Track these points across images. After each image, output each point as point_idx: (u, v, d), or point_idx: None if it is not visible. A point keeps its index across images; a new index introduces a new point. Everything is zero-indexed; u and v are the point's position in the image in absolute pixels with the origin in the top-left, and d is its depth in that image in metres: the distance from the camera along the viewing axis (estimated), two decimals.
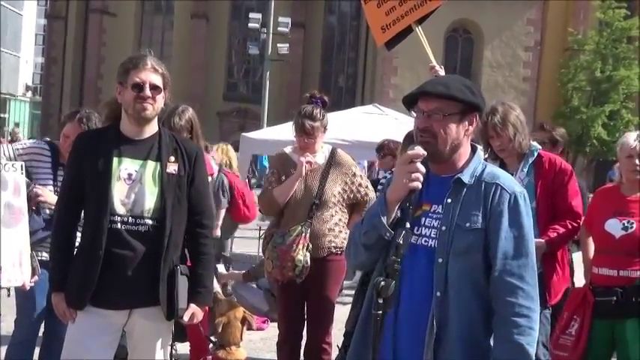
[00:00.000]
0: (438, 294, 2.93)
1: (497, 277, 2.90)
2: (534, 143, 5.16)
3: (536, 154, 5.06)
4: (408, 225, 2.88)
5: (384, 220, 2.95)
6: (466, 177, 3.00)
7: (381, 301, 2.70)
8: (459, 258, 2.92)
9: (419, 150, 2.95)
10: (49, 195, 4.89)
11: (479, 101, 3.04)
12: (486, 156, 5.20)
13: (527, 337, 2.85)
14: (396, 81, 41.51)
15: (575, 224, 5.02)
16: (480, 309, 2.92)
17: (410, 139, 7.96)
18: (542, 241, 4.85)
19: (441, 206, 3.01)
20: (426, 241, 2.98)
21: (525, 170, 5.03)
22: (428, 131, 2.98)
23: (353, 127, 12.60)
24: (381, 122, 12.71)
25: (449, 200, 2.99)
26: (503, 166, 5.10)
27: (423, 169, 2.92)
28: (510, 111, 5.02)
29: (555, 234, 4.90)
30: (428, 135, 2.98)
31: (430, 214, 3.03)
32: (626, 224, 4.98)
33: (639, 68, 40.60)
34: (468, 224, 2.93)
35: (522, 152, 5.05)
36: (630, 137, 5.16)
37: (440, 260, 2.94)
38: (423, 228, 3.01)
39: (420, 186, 2.92)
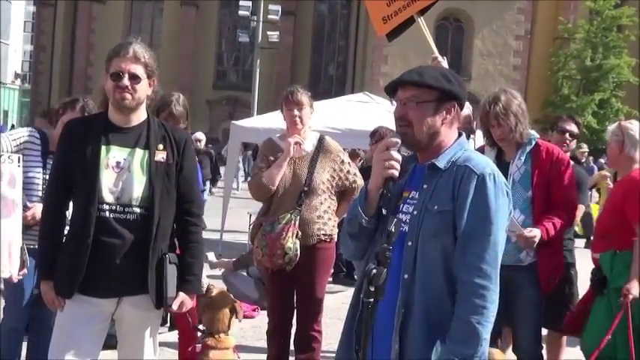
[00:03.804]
0: (406, 276, 2.94)
1: (458, 257, 2.90)
2: (532, 132, 5.16)
3: (534, 143, 5.06)
4: (384, 212, 2.97)
5: (360, 208, 3.03)
6: (442, 162, 3.01)
7: (372, 288, 2.71)
8: (428, 241, 2.93)
9: (393, 138, 2.99)
10: (39, 210, 4.81)
11: (455, 89, 3.03)
12: (484, 143, 5.21)
13: (478, 317, 2.84)
14: (386, 69, 41.53)
15: (570, 214, 5.04)
16: (449, 293, 2.92)
17: (373, 134, 8.02)
18: (538, 230, 4.86)
19: (417, 192, 3.04)
20: (402, 227, 2.98)
21: (522, 159, 5.03)
22: (404, 119, 3.02)
23: (343, 116, 12.57)
24: (372, 110, 12.68)
25: (424, 186, 3.02)
26: (500, 153, 5.12)
27: (398, 156, 2.96)
28: (513, 100, 5.00)
29: (550, 223, 4.90)
30: (404, 123, 3.02)
31: (408, 201, 3.06)
32: (600, 210, 5.13)
33: (629, 57, 40.74)
34: (436, 207, 2.94)
35: (522, 141, 5.04)
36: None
37: (409, 243, 2.96)
38: (401, 214, 3.03)
39: (397, 174, 2.96)
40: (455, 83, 3.04)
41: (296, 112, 5.41)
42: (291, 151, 5.35)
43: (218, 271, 9.47)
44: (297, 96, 5.40)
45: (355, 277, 9.59)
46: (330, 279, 10.96)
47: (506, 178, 4.95)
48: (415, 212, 2.98)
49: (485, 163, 3.02)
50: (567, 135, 6.51)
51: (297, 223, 5.30)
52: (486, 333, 2.87)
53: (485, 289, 2.86)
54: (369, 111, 12.61)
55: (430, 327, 2.90)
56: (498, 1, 43.04)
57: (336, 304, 8.11)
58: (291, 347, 5.60)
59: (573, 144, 6.52)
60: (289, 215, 5.30)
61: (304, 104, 5.42)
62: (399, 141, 2.98)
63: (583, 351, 5.20)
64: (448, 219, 2.93)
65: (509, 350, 5.41)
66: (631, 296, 4.81)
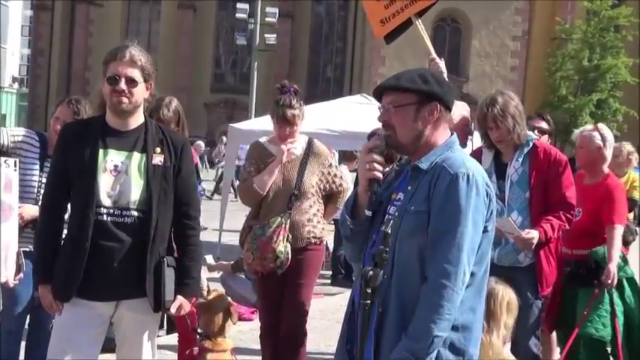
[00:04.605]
0: (385, 276, 2.92)
1: (428, 254, 2.89)
2: (530, 133, 5.16)
3: (531, 144, 5.06)
4: (369, 213, 3.04)
5: (346, 211, 3.12)
6: (425, 164, 3.01)
7: (369, 290, 2.71)
8: (405, 241, 2.94)
9: (375, 141, 3.04)
10: (27, 210, 4.80)
11: (434, 89, 3.02)
12: (482, 144, 5.21)
13: (433, 314, 2.82)
14: (383, 71, 41.45)
15: (569, 215, 5.02)
16: None
17: (371, 136, 8.02)
18: (535, 231, 4.86)
19: (403, 194, 3.05)
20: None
21: (520, 160, 5.03)
22: (387, 124, 3.05)
23: (341, 117, 12.58)
24: (369, 112, 12.64)
25: (409, 187, 3.03)
26: (498, 155, 5.13)
27: (380, 159, 3.01)
28: (510, 102, 5.00)
29: (548, 225, 4.90)
30: (387, 128, 3.04)
31: (395, 203, 3.07)
32: (576, 213, 5.28)
33: (626, 57, 40.72)
34: (413, 207, 2.95)
35: (519, 143, 5.04)
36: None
37: (390, 244, 2.95)
38: (387, 216, 3.05)
39: (380, 175, 3.02)
40: (433, 83, 3.02)
41: (287, 129, 5.41)
42: (284, 158, 5.35)
43: (216, 274, 9.45)
44: (288, 115, 5.36)
45: (354, 278, 9.54)
46: (329, 281, 11.02)
47: (504, 180, 4.98)
48: (397, 214, 3.00)
49: (461, 163, 2.98)
50: (536, 132, 6.57)
51: (287, 226, 5.30)
52: (439, 330, 2.83)
53: (444, 287, 2.84)
54: (366, 113, 12.58)
55: (405, 328, 2.89)
56: (495, 2, 43.04)
57: (334, 306, 8.11)
58: None
59: (544, 139, 6.53)
60: (280, 219, 5.30)
61: (296, 122, 5.39)
62: (378, 143, 3.03)
63: (560, 339, 5.68)
64: (423, 219, 2.92)
65: (508, 349, 5.40)
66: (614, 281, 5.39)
